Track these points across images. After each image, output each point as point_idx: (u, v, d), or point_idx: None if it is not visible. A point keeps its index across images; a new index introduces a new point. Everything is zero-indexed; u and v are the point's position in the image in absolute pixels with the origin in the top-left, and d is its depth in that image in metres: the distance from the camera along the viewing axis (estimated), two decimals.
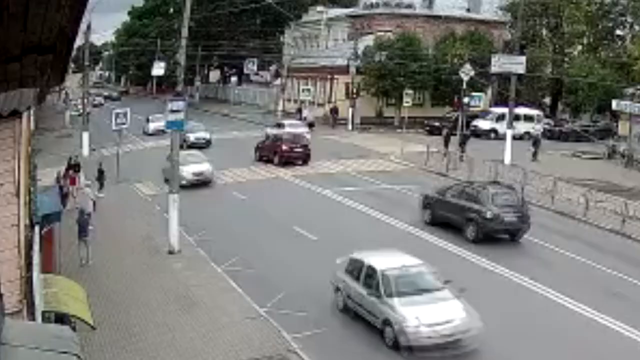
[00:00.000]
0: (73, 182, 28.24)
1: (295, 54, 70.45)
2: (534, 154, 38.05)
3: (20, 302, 8.91)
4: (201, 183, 31.24)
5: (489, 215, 22.37)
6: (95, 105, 69.84)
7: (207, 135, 44.13)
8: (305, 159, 36.51)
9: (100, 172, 30.50)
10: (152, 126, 49.22)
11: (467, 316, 14.64)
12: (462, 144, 37.41)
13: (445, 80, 51.37)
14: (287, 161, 35.94)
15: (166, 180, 27.42)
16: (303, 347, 14.63)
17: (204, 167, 32.09)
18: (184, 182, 28.12)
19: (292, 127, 43.88)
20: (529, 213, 23.37)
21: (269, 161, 36.57)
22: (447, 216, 23.92)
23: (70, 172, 30.04)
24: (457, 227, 23.29)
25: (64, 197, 26.13)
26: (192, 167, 31.13)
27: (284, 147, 36.43)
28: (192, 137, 42.13)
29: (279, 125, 44.61)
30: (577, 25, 55.86)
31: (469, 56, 48.02)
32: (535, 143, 38.78)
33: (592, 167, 36.72)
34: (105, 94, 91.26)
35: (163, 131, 36.54)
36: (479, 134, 44.80)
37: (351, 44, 55.51)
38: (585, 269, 20.44)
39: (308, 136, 41.46)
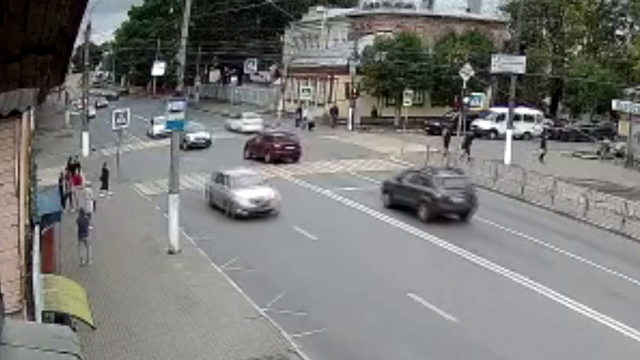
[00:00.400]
0: (78, 182, 28.06)
1: (295, 54, 70.46)
2: (542, 156, 37.86)
3: (20, 302, 8.91)
4: (263, 213, 25.08)
5: (438, 196, 24.56)
6: (99, 107, 69.13)
7: (207, 136, 44.14)
8: (296, 156, 37.03)
9: (105, 172, 30.52)
10: (156, 128, 45.95)
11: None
12: (467, 144, 37.36)
13: (445, 80, 51.38)
14: (278, 159, 36.41)
15: (214, 207, 26.54)
16: (303, 347, 14.63)
17: (264, 191, 25.65)
18: (239, 210, 24.81)
19: (250, 119, 49.99)
20: (477, 195, 25.38)
21: (260, 159, 36.93)
22: (403, 199, 26.18)
23: (75, 171, 30.05)
24: (412, 209, 25.37)
25: (65, 197, 26.15)
26: (247, 192, 25.11)
27: (277, 145, 36.99)
28: (192, 137, 42.16)
29: (238, 117, 50.10)
30: (577, 25, 55.88)
31: (469, 56, 48.02)
32: (544, 145, 38.54)
33: (592, 167, 36.74)
34: (104, 93, 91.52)
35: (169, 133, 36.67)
36: (479, 134, 44.80)
37: (351, 44, 55.52)
38: (585, 269, 20.44)
39: (258, 127, 46.38)
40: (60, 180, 27.31)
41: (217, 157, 38.95)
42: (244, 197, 24.95)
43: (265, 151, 37.16)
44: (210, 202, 27.02)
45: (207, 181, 27.91)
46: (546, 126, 47.47)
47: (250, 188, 25.37)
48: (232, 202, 25.14)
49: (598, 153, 40.02)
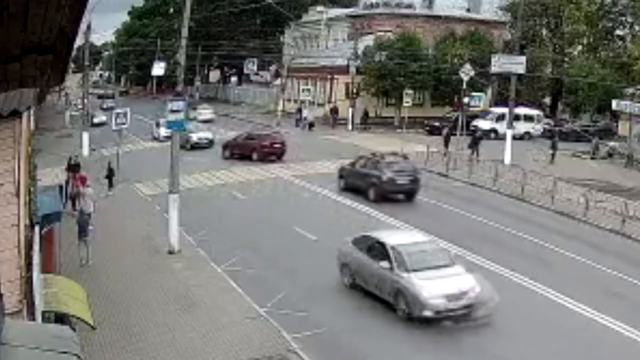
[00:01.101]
0: (83, 182, 27.88)
1: (295, 54, 70.45)
2: (552, 156, 37.62)
3: (20, 302, 8.90)
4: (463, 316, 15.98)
5: (384, 178, 27.45)
6: (106, 109, 65.54)
7: (209, 136, 44.21)
8: (281, 154, 37.92)
9: (111, 171, 30.57)
10: (163, 131, 42.81)
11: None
12: (475, 145, 37.29)
13: (445, 80, 51.38)
14: (265, 157, 37.29)
15: (355, 285, 17.74)
16: (303, 347, 14.63)
17: (464, 280, 16.18)
18: (424, 312, 15.58)
19: (204, 109, 56.44)
20: (420, 177, 28.54)
21: (244, 158, 37.42)
22: (355, 183, 29.01)
23: (75, 172, 29.98)
24: (363, 191, 28.14)
25: (72, 198, 25.89)
26: (436, 282, 15.85)
27: (265, 143, 38.06)
28: (194, 137, 42.28)
29: (194, 109, 55.39)
30: (577, 25, 55.82)
31: (469, 56, 48.03)
32: (555, 145, 38.30)
33: (592, 167, 36.73)
34: (101, 92, 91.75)
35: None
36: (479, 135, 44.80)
37: (351, 44, 55.52)
38: (585, 269, 20.44)
39: (211, 116, 51.20)
40: (67, 182, 27.17)
41: (216, 157, 39.04)
42: (433, 291, 15.62)
43: (252, 150, 37.83)
44: (352, 281, 18.03)
45: (344, 247, 18.51)
46: (556, 127, 47.46)
47: (437, 271, 16.23)
48: (411, 297, 15.78)
49: (590, 152, 39.80)
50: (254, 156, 37.46)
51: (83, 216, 21.33)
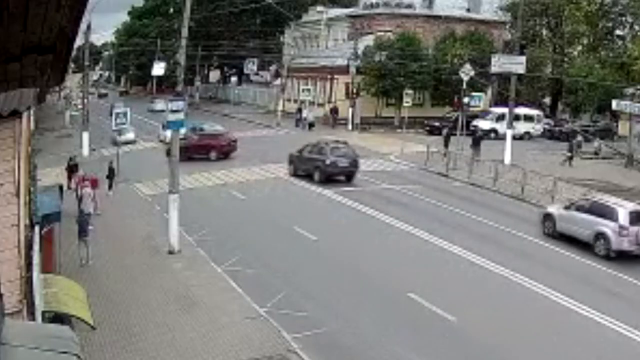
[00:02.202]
0: (95, 184, 27.60)
1: (295, 54, 70.42)
2: (570, 159, 37.20)
3: (20, 302, 8.90)
4: None
5: (327, 162, 31.15)
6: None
7: (132, 136, 45.30)
8: (233, 151, 39.43)
9: (111, 171, 30.54)
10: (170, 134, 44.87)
11: None
12: (476, 144, 37.38)
13: (445, 80, 51.37)
14: (225, 155, 38.52)
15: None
16: (303, 347, 14.63)
17: None
18: None
19: (158, 102, 61.53)
20: (358, 160, 32.18)
21: (203, 159, 37.76)
22: (303, 167, 32.43)
23: (73, 172, 29.96)
24: (309, 174, 31.56)
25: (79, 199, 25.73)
26: None
27: (223, 143, 39.27)
28: (121, 138, 42.09)
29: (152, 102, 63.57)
30: (577, 25, 55.81)
31: (469, 56, 47.99)
32: (572, 148, 37.62)
33: (592, 167, 36.71)
34: (102, 91, 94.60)
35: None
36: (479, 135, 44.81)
37: (351, 44, 55.48)
38: (585, 268, 20.45)
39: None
40: (78, 184, 26.96)
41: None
42: None
43: (209, 150, 38.59)
44: None
45: None
46: (537, 125, 47.47)
47: None
48: None
49: (569, 151, 39.26)
50: (212, 156, 38.34)
51: (83, 216, 21.36)
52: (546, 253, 21.94)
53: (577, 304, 17.15)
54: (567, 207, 23.80)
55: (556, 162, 36.95)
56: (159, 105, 62.82)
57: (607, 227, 21.40)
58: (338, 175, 31.59)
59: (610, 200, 23.36)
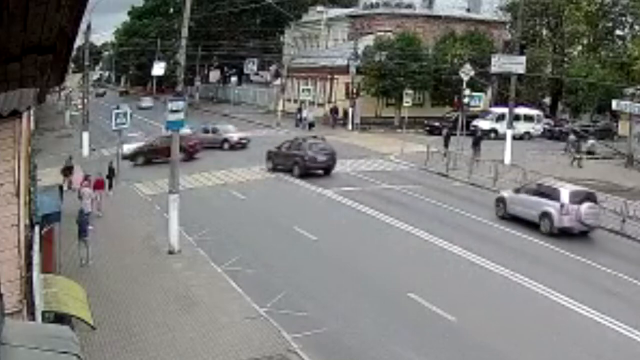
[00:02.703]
0: (101, 186, 27.58)
1: (295, 54, 70.43)
2: (579, 160, 36.96)
3: (20, 302, 8.90)
4: None
5: (307, 157, 32.44)
6: (98, 95, 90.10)
7: None
8: (197, 152, 39.11)
9: (111, 171, 30.51)
10: None
11: None
12: (476, 144, 37.44)
13: (445, 80, 51.37)
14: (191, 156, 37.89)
15: None
16: (303, 347, 14.63)
17: None
18: None
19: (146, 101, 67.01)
20: (336, 154, 33.32)
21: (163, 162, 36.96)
22: (282, 162, 33.64)
23: (68, 173, 29.93)
24: (289, 169, 32.81)
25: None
26: None
27: (190, 144, 38.19)
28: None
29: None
30: (577, 25, 55.83)
31: (469, 56, 47.98)
32: (579, 149, 37.53)
33: (592, 167, 36.70)
34: (94, 90, 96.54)
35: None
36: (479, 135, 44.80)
37: (351, 44, 55.49)
38: (584, 268, 20.45)
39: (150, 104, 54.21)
40: (81, 184, 26.87)
41: (215, 157, 39.03)
42: None
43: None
44: None
45: None
46: (537, 125, 47.47)
47: None
48: None
49: (577, 152, 39.41)
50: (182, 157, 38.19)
51: (83, 216, 21.34)
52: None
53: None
54: (517, 191, 25.86)
55: (562, 162, 36.91)
56: (145, 102, 72.14)
57: (551, 206, 23.34)
58: (317, 169, 32.79)
59: (554, 183, 25.34)
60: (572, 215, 22.98)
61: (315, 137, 36.22)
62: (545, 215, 23.46)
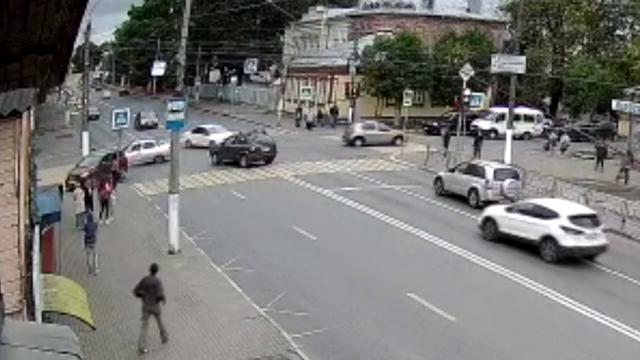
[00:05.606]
0: (103, 188, 27.15)
1: (295, 54, 70.45)
2: (602, 163, 36.30)
3: (20, 302, 8.90)
4: None
5: (252, 149, 35.56)
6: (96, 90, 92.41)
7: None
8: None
9: (114, 173, 30.43)
10: (193, 139, 43.16)
11: None
12: (476, 144, 37.68)
13: (445, 80, 51.37)
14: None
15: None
16: (303, 347, 14.63)
17: None
18: None
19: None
20: (277, 148, 36.36)
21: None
22: (228, 156, 36.43)
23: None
24: (235, 162, 35.61)
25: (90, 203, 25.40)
26: None
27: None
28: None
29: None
30: (577, 25, 55.81)
31: (469, 56, 47.99)
32: (602, 153, 36.91)
33: (592, 167, 36.70)
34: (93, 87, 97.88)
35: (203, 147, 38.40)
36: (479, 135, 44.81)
37: (351, 44, 55.52)
38: (584, 268, 20.45)
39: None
40: (96, 188, 26.60)
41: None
42: None
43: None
44: None
45: None
46: (540, 127, 47.55)
47: None
48: None
49: (546, 149, 39.65)
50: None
51: (91, 222, 20.85)
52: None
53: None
54: (451, 170, 29.46)
55: (578, 165, 36.86)
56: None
57: (478, 183, 26.83)
58: (261, 159, 35.77)
59: (481, 162, 29.33)
60: (495, 190, 26.27)
61: (255, 130, 39.47)
62: (473, 190, 26.94)
